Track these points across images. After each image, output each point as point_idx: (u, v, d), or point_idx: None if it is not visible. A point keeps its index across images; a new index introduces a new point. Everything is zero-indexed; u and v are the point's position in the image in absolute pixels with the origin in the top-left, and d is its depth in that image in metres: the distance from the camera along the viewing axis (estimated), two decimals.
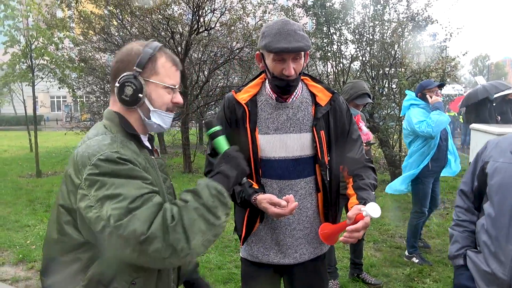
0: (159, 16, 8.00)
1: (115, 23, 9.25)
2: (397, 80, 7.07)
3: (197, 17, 8.02)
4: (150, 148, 1.33)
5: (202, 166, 8.49)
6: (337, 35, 7.39)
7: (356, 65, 7.84)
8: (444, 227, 4.85)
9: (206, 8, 8.23)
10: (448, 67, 7.08)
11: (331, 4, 7.21)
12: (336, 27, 7.30)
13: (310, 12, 7.30)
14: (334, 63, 7.50)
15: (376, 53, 7.26)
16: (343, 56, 7.57)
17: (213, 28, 8.54)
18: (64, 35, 9.01)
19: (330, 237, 1.59)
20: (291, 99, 1.67)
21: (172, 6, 8.20)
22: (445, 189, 6.64)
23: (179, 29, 8.32)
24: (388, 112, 7.31)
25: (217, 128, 1.39)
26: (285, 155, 1.65)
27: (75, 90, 9.65)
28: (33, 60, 8.65)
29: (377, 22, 7.04)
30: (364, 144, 3.17)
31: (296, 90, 1.67)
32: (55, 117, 33.77)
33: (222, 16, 8.64)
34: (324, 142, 1.65)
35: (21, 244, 4.48)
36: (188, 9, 8.33)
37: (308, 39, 1.54)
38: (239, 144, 1.53)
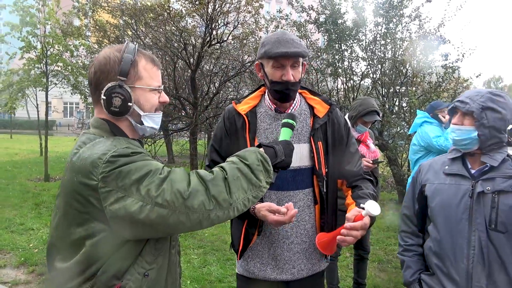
0: (173, 27, 8.12)
1: (129, 33, 9.41)
2: (407, 98, 7.03)
3: (210, 30, 8.12)
4: None
5: None
6: (349, 52, 7.41)
7: (367, 82, 7.83)
8: None
9: (219, 21, 8.33)
10: (460, 88, 7.03)
11: (343, 21, 7.24)
12: (348, 44, 7.32)
13: (322, 29, 7.35)
14: (344, 79, 7.50)
15: (387, 71, 7.24)
16: (354, 73, 7.57)
17: (226, 41, 8.63)
18: (79, 43, 9.20)
19: (328, 246, 1.56)
20: (289, 110, 1.70)
21: (186, 18, 8.33)
22: None
23: (192, 41, 8.43)
24: (398, 130, 7.25)
25: (295, 123, 1.46)
26: None
27: (87, 97, 9.77)
28: (47, 66, 8.83)
29: (389, 40, 7.04)
30: (371, 162, 3.14)
31: (295, 102, 1.71)
32: (67, 123, 34.27)
33: (235, 29, 8.74)
34: (321, 153, 1.67)
35: (23, 247, 4.49)
36: (201, 22, 8.45)
37: (305, 47, 1.60)
38: None
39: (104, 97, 1.18)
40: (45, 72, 8.87)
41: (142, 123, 1.24)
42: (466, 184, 1.57)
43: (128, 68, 1.18)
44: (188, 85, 9.30)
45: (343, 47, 7.31)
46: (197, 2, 7.58)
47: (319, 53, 7.57)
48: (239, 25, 8.71)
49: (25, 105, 29.63)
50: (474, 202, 1.53)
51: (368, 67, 7.35)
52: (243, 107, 1.73)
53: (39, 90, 9.71)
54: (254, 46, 8.64)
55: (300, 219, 1.68)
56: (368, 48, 7.25)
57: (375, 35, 7.20)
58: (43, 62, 8.71)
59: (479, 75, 7.31)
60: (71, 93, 9.73)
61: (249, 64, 8.74)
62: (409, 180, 3.96)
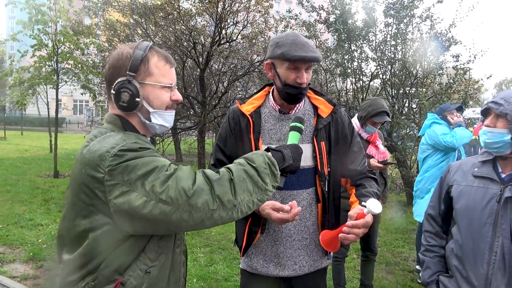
0: (183, 26, 8.15)
1: (139, 31, 9.47)
2: (417, 100, 6.96)
3: (219, 29, 8.13)
4: None
5: None
6: (358, 52, 7.36)
7: (376, 83, 7.77)
8: None
9: (228, 21, 8.34)
10: (471, 90, 6.95)
11: (353, 21, 7.20)
12: (358, 44, 7.27)
13: (332, 29, 7.31)
14: (354, 80, 7.46)
15: (397, 72, 7.18)
16: (363, 73, 7.52)
17: (235, 40, 8.63)
18: (90, 41, 9.28)
19: (332, 243, 1.57)
20: (294, 111, 1.71)
21: (196, 17, 8.36)
22: None
23: (201, 40, 8.45)
24: (407, 132, 7.19)
25: (303, 126, 1.46)
26: None
27: (97, 95, 9.86)
28: (58, 63, 8.92)
29: (399, 41, 6.98)
30: (381, 163, 3.12)
31: (299, 103, 1.72)
32: (76, 121, 34.61)
33: (244, 29, 8.74)
34: (324, 153, 1.68)
35: (32, 243, 4.53)
36: (211, 21, 8.46)
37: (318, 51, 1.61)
38: (243, 154, 1.54)
39: (114, 92, 1.19)
40: (55, 69, 8.97)
41: (151, 120, 1.24)
42: (494, 188, 1.53)
43: (137, 64, 1.19)
44: (197, 84, 9.33)
45: (352, 47, 7.27)
46: (206, 1, 7.60)
47: (328, 53, 7.53)
48: (248, 25, 8.71)
49: (36, 103, 30.04)
50: (501, 207, 1.49)
51: (378, 67, 7.30)
52: (247, 108, 1.74)
53: (50, 88, 9.82)
54: (263, 46, 8.63)
55: (303, 217, 1.70)
56: (378, 48, 7.19)
57: (385, 35, 7.15)
58: (54, 59, 8.81)
59: (490, 76, 7.22)
60: (82, 93, 9.80)
61: (258, 63, 8.73)
62: (417, 179, 3.96)
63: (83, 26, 9.16)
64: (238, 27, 8.66)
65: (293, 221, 1.56)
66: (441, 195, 1.73)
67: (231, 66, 9.33)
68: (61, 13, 8.58)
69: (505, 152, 1.53)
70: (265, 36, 8.74)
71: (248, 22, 8.63)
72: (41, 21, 8.39)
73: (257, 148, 1.67)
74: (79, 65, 9.08)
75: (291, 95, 1.63)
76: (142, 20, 8.85)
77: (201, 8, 7.98)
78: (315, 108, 1.74)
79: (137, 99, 1.19)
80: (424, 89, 7.00)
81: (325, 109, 1.72)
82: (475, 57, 6.79)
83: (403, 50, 7.12)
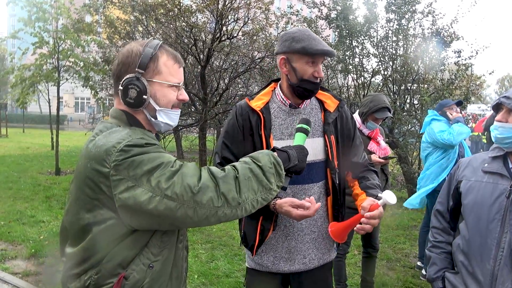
0: (183, 23, 8.13)
1: (140, 29, 9.45)
2: (419, 96, 6.94)
3: (220, 26, 8.11)
4: None
5: None
6: (360, 48, 7.33)
7: (378, 79, 7.74)
8: None
9: (229, 17, 8.31)
10: (472, 85, 6.91)
11: (354, 17, 7.16)
12: (359, 40, 7.24)
13: (333, 25, 7.28)
14: (355, 76, 7.43)
15: (398, 68, 7.15)
16: (365, 69, 7.50)
17: (236, 37, 8.61)
18: (90, 38, 9.27)
19: (341, 234, 1.59)
20: (303, 105, 1.73)
21: (197, 14, 8.33)
22: None
23: (202, 37, 8.43)
24: (409, 128, 7.17)
25: (309, 128, 1.49)
26: None
27: (98, 92, 9.85)
28: (59, 61, 8.91)
29: (401, 37, 6.95)
30: (382, 158, 3.11)
31: None
32: (78, 118, 34.65)
33: (245, 25, 8.71)
34: (334, 147, 1.71)
35: (34, 239, 4.55)
36: (212, 18, 8.44)
37: None
38: (253, 151, 1.54)
39: (121, 88, 1.20)
40: (57, 67, 8.97)
41: (156, 118, 1.24)
42: (504, 183, 1.51)
43: (147, 62, 1.19)
44: (198, 81, 9.31)
45: (354, 44, 7.23)
46: None
47: None
48: (249, 21, 8.69)
49: (37, 100, 30.08)
50: (510, 203, 1.47)
51: (379, 63, 7.26)
52: (257, 103, 1.72)
53: (51, 85, 9.83)
54: (264, 42, 8.61)
55: None
56: (380, 44, 7.16)
57: (387, 31, 7.11)
58: (55, 57, 8.80)
59: (492, 72, 7.18)
60: (82, 85, 9.79)
61: (259, 60, 8.71)
62: (420, 176, 3.96)
63: (83, 23, 9.15)
64: (239, 24, 8.64)
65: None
66: (450, 191, 1.71)
67: (232, 63, 9.30)
68: (62, 11, 8.57)
69: None
70: (266, 33, 8.72)
71: (249, 18, 8.61)
72: (42, 18, 8.38)
73: (268, 144, 1.66)
74: (80, 63, 9.08)
75: (308, 90, 1.65)
76: (143, 17, 8.84)
77: (202, 4, 7.96)
78: (321, 102, 1.77)
79: (144, 96, 1.19)
80: (425, 85, 6.97)
81: (331, 104, 1.75)
82: (477, 53, 6.75)
83: (405, 46, 7.08)
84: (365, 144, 3.00)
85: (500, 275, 1.45)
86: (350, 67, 7.30)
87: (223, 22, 8.15)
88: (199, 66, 8.50)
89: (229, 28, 8.46)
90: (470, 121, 11.33)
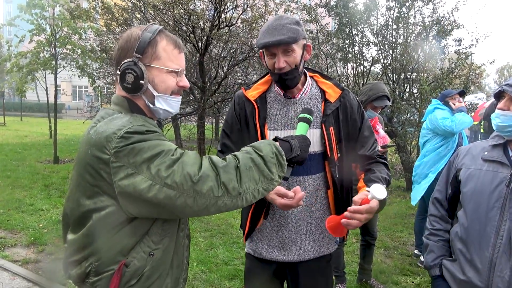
0: (181, 10, 8.03)
1: (138, 15, 9.33)
2: (418, 85, 6.91)
3: (218, 13, 8.01)
4: None
5: None
6: (359, 37, 7.27)
7: (377, 68, 7.70)
8: None
9: (228, 4, 8.21)
10: (472, 75, 6.88)
11: (354, 5, 7.09)
12: (359, 28, 7.18)
13: (333, 12, 7.20)
14: (354, 65, 7.38)
15: (398, 57, 7.10)
16: (364, 58, 7.45)
17: (234, 24, 8.51)
18: (88, 25, 9.16)
19: (338, 229, 1.53)
20: (299, 95, 1.68)
21: (195, 1, 8.23)
22: None
23: (200, 25, 8.33)
24: (408, 117, 7.16)
25: (311, 118, 1.46)
26: None
27: (95, 80, 9.78)
28: (57, 48, 8.83)
29: (401, 25, 6.89)
30: (381, 147, 3.11)
31: (304, 87, 1.68)
32: (76, 106, 34.49)
33: (244, 13, 8.61)
34: (333, 139, 1.64)
35: (33, 227, 4.56)
36: (210, 5, 8.34)
37: (296, 30, 1.53)
38: (249, 140, 1.53)
39: (119, 73, 1.19)
40: (54, 54, 8.88)
41: (155, 104, 1.23)
42: (504, 172, 1.51)
43: (144, 46, 1.18)
44: (196, 69, 9.24)
45: (354, 32, 7.17)
46: None
47: (329, 38, 7.44)
48: (248, 8, 8.58)
49: (34, 88, 29.90)
50: (510, 191, 1.47)
51: (379, 52, 7.22)
52: (252, 93, 1.71)
53: (49, 73, 9.74)
54: None
55: (308, 203, 1.68)
56: (380, 32, 7.10)
57: (387, 19, 7.05)
58: (52, 44, 8.71)
59: (493, 61, 7.15)
60: (79, 77, 9.73)
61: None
62: (416, 164, 3.95)
63: (80, 10, 9.03)
64: (238, 11, 8.54)
65: (297, 207, 1.54)
66: (448, 179, 1.71)
67: (231, 51, 9.22)
68: None
69: None
70: (265, 20, 8.61)
71: (248, 6, 8.50)
72: (39, 5, 8.27)
73: (262, 133, 1.64)
74: (78, 50, 8.99)
75: (276, 82, 1.64)
76: (141, 4, 8.71)
77: None
78: (323, 92, 1.70)
79: (141, 81, 1.18)
80: (425, 74, 6.93)
81: (333, 94, 1.67)
82: (477, 41, 6.71)
83: (405, 34, 7.03)
84: None
85: (498, 262, 1.46)
86: (350, 55, 7.25)
87: (221, 9, 8.05)
88: (198, 54, 8.42)
89: (227, 15, 8.36)
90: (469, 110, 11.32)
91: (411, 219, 5.37)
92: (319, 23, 7.47)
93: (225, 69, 9.40)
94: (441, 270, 1.66)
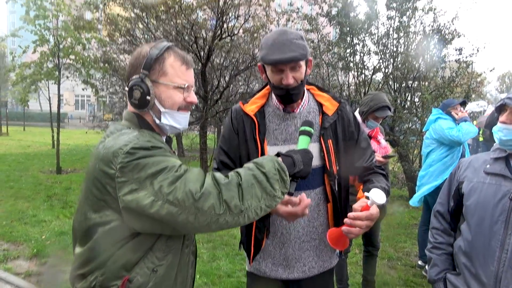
0: (184, 20, 8.10)
1: (140, 26, 9.42)
2: (420, 94, 6.92)
3: (220, 23, 8.08)
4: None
5: None
6: (360, 46, 7.31)
7: (378, 76, 7.72)
8: None
9: (230, 14, 8.28)
10: (473, 83, 6.89)
11: (355, 14, 7.14)
12: (360, 37, 7.22)
13: (334, 22, 7.26)
14: (356, 73, 7.41)
15: (399, 65, 7.13)
16: (366, 67, 7.47)
17: (236, 34, 8.58)
18: (91, 36, 9.25)
19: (339, 241, 1.51)
20: (298, 110, 1.66)
21: (197, 11, 8.31)
22: None
23: (202, 34, 8.40)
24: (409, 126, 7.16)
25: (312, 130, 1.45)
26: None
27: (98, 90, 9.85)
28: (60, 59, 8.90)
29: (402, 34, 6.92)
30: (382, 158, 3.10)
31: (303, 101, 1.67)
32: (78, 116, 34.63)
33: (246, 22, 8.68)
34: (332, 152, 1.63)
35: (36, 239, 4.56)
36: (212, 15, 8.41)
37: (305, 47, 1.52)
38: (248, 156, 1.54)
39: (127, 89, 1.22)
40: (57, 65, 8.96)
41: (161, 120, 1.25)
42: (507, 185, 1.49)
43: (152, 63, 1.20)
44: (199, 79, 9.29)
45: (355, 41, 7.21)
46: None
47: (330, 47, 7.48)
48: (250, 18, 8.65)
49: (37, 98, 30.07)
50: None
51: (380, 61, 7.25)
52: (251, 107, 1.68)
53: (52, 83, 9.82)
54: None
55: (311, 218, 1.66)
56: (381, 41, 7.14)
57: (388, 28, 7.08)
58: (56, 55, 8.79)
59: (493, 69, 7.19)
60: (83, 88, 9.80)
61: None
62: (420, 173, 3.95)
63: (84, 20, 9.13)
64: (240, 21, 8.61)
65: (303, 216, 1.49)
66: (450, 192, 1.69)
67: (233, 61, 9.28)
68: (62, 7, 8.54)
69: None
70: (267, 30, 8.67)
71: (249, 15, 8.57)
72: (42, 16, 8.36)
73: (263, 149, 1.62)
74: (81, 60, 9.07)
75: (280, 97, 1.60)
76: (144, 14, 8.80)
77: (203, 1, 7.93)
78: (320, 105, 1.69)
79: (147, 97, 1.20)
80: (426, 83, 6.95)
81: (330, 106, 1.67)
82: (478, 50, 6.73)
83: (406, 43, 7.06)
84: None
85: (504, 277, 1.44)
86: (351, 64, 7.28)
87: (223, 19, 8.12)
88: (200, 64, 8.47)
89: (229, 25, 8.43)
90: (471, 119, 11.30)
91: (414, 229, 5.34)
92: (320, 33, 7.52)
93: (227, 79, 9.45)
94: (445, 284, 1.64)
